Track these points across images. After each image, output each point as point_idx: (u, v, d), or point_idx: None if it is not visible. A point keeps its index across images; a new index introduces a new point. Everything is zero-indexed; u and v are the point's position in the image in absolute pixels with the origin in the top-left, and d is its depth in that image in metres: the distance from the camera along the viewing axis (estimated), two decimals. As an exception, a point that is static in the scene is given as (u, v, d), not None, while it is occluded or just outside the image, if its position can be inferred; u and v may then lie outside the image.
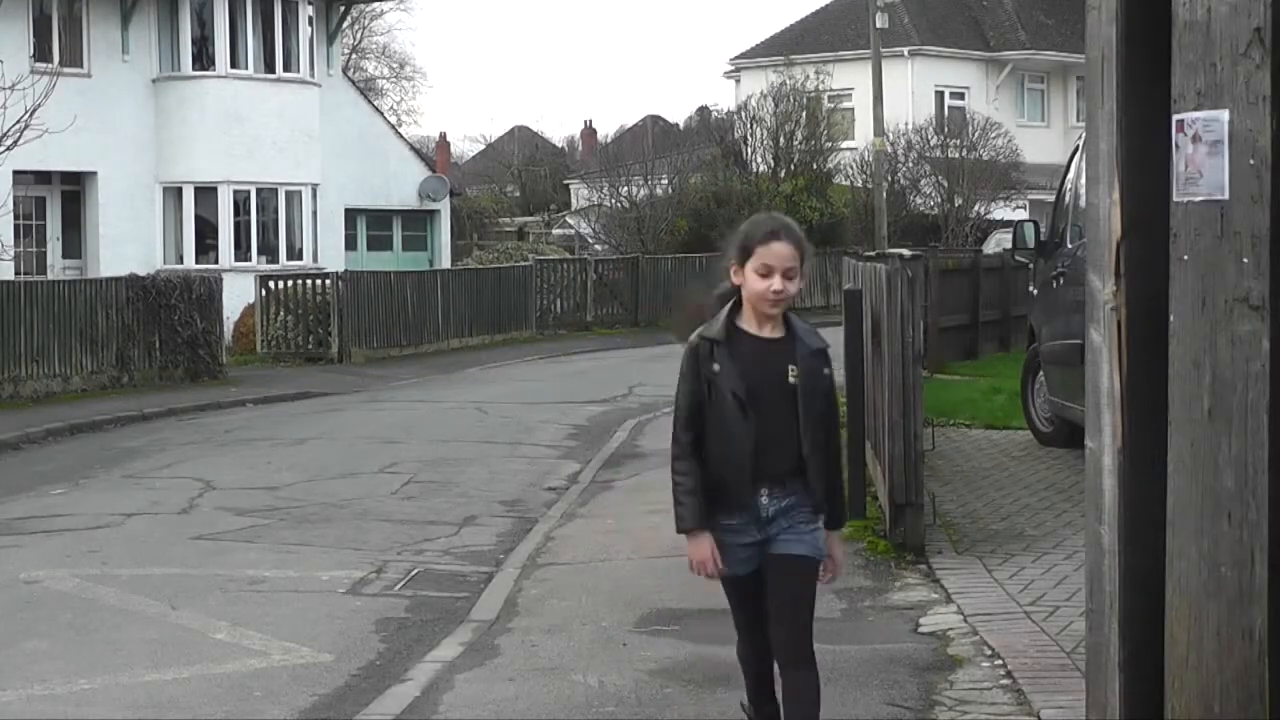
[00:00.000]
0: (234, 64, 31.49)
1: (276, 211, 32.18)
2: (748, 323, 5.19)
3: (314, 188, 32.67)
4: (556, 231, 49.49)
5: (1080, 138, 11.98)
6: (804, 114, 41.61)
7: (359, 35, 58.04)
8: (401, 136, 39.25)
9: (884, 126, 38.58)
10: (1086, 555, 3.42)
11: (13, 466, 15.59)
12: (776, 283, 5.10)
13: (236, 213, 31.55)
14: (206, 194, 31.25)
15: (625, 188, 41.36)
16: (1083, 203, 10.82)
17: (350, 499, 12.72)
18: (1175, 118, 3.09)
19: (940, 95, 48.99)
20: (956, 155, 41.68)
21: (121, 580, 9.68)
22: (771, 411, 5.13)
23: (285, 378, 24.51)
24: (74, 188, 30.93)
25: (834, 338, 15.64)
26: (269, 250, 31.97)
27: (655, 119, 63.32)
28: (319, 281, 27.95)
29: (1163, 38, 3.13)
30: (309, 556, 10.37)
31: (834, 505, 5.33)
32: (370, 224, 36.72)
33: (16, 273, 27.77)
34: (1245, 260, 2.95)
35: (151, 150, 31.01)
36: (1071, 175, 13.97)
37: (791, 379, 5.12)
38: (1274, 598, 2.94)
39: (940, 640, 7.70)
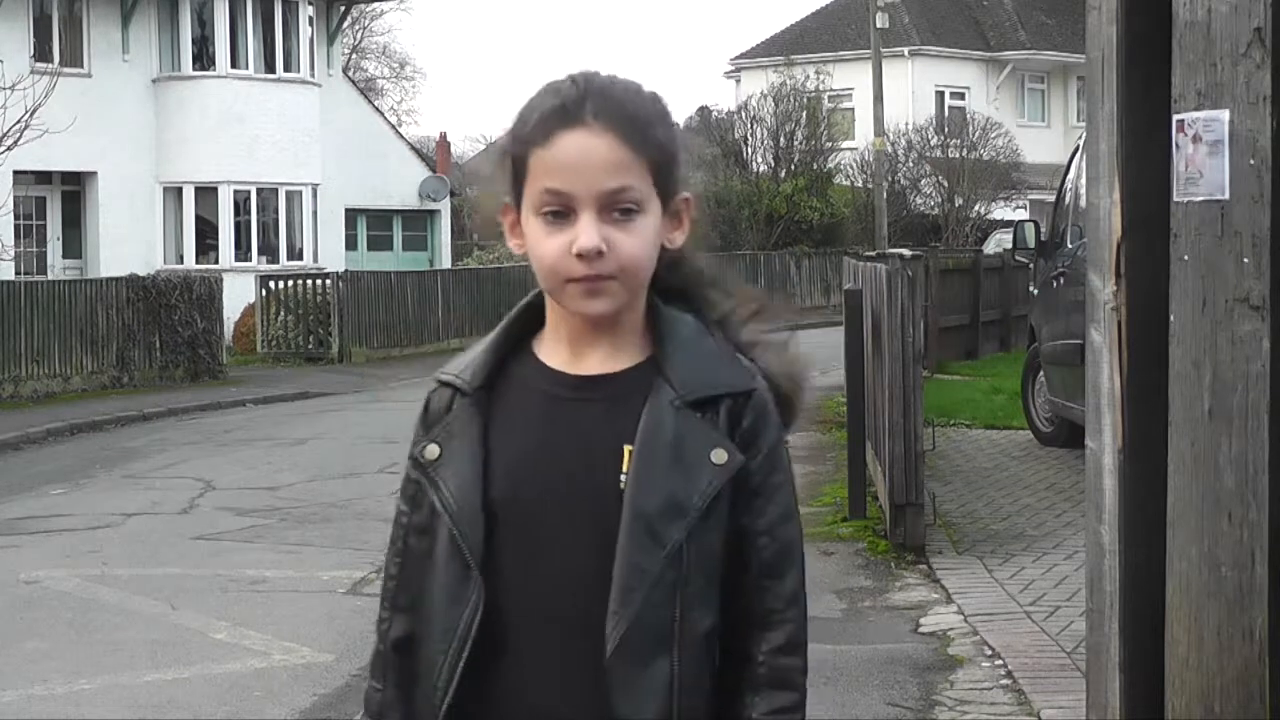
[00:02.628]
0: (234, 64, 31.50)
1: (277, 211, 32.19)
2: (550, 346, 2.29)
3: (314, 188, 32.67)
4: (557, 231, 49.40)
5: (1080, 138, 11.99)
6: (804, 114, 41.64)
7: (359, 35, 58.07)
8: (402, 136, 39.25)
9: (884, 126, 38.59)
10: (1086, 555, 3.42)
11: (13, 466, 15.59)
12: (586, 233, 2.15)
13: (237, 213, 31.56)
14: (207, 194, 31.26)
15: (625, 188, 41.30)
16: (1083, 203, 10.84)
17: (351, 499, 12.71)
18: (1175, 118, 3.09)
19: (940, 95, 49.02)
20: (957, 155, 41.70)
21: (121, 580, 9.68)
22: (568, 565, 2.20)
23: (285, 378, 24.50)
24: (74, 188, 30.93)
25: (834, 338, 15.59)
26: (269, 250, 31.97)
27: (655, 119, 63.25)
28: (319, 281, 27.94)
29: (1163, 38, 3.12)
30: (309, 556, 10.37)
31: None
32: (370, 224, 36.73)
33: (17, 273, 27.78)
34: (1245, 260, 2.95)
35: (152, 150, 31.01)
36: (1072, 175, 13.98)
37: (621, 479, 2.17)
38: (1274, 598, 2.94)
39: (941, 640, 7.70)
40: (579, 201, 2.17)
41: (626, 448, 2.18)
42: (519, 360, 2.29)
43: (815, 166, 41.63)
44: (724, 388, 2.22)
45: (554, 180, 2.17)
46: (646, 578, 2.14)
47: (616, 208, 2.17)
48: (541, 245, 2.19)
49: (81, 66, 30.01)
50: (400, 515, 2.32)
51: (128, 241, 30.13)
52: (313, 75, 32.93)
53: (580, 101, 2.19)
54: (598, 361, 2.25)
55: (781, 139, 41.49)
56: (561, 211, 2.18)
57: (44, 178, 29.99)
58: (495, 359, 2.28)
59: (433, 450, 2.25)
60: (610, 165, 2.17)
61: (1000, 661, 7.22)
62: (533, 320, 2.31)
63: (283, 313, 27.56)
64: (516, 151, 2.23)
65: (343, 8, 35.64)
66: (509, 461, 2.22)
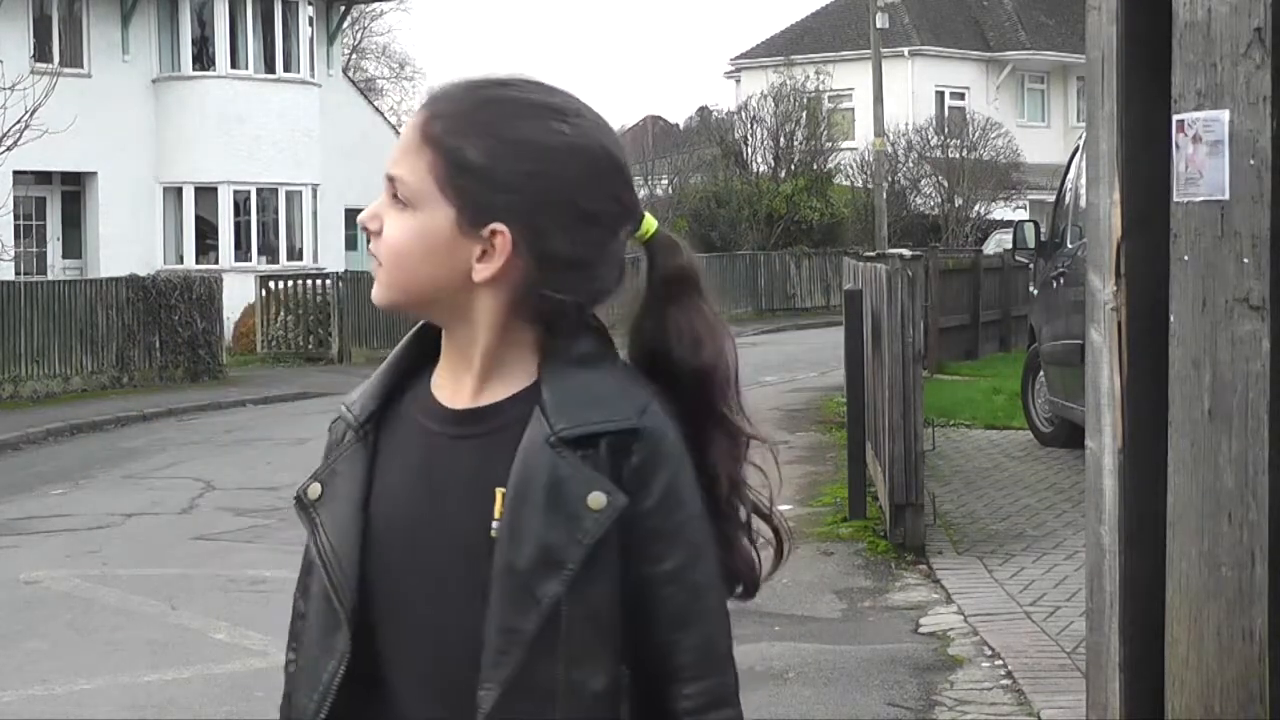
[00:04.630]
0: (234, 64, 31.50)
1: (277, 212, 32.19)
2: (439, 375, 2.05)
3: (314, 188, 32.68)
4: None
5: (1080, 138, 11.99)
6: (804, 114, 41.64)
7: (359, 35, 58.07)
8: (402, 136, 39.25)
9: (884, 126, 38.59)
10: (1086, 555, 3.42)
11: (13, 466, 15.58)
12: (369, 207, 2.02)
13: (237, 213, 31.56)
14: (207, 194, 31.26)
15: (625, 188, 41.33)
16: (1083, 203, 10.83)
17: (350, 499, 12.71)
18: (1175, 118, 3.09)
19: (940, 95, 49.02)
20: (957, 155, 41.70)
21: (121, 580, 9.68)
22: (438, 622, 1.97)
23: (285, 378, 24.49)
24: (74, 188, 30.93)
25: (834, 338, 15.47)
26: (269, 250, 31.98)
27: (655, 119, 63.29)
28: (319, 281, 27.95)
29: (1163, 38, 3.13)
30: (309, 556, 10.37)
31: None
32: (370, 224, 36.73)
33: (16, 273, 27.77)
34: (1245, 260, 2.95)
35: (152, 150, 31.01)
36: (1072, 175, 13.98)
37: (493, 526, 1.93)
38: (1274, 598, 2.94)
39: (941, 640, 7.70)
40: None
41: (499, 490, 1.92)
42: (415, 389, 2.05)
43: (815, 166, 41.63)
44: (601, 424, 1.92)
45: None
46: (519, 639, 1.89)
47: (394, 195, 1.98)
48: None
49: (81, 66, 30.01)
50: (306, 549, 2.11)
51: (128, 241, 30.12)
52: (313, 75, 32.93)
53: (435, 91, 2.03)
54: (475, 391, 2.00)
55: (781, 139, 41.49)
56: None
57: (44, 178, 29.99)
58: (383, 389, 2.05)
59: (314, 489, 2.05)
60: (399, 151, 1.99)
61: (1000, 661, 7.21)
62: (430, 346, 2.07)
63: (282, 313, 27.56)
64: None
65: (343, 8, 35.64)
66: (382, 504, 2.00)
